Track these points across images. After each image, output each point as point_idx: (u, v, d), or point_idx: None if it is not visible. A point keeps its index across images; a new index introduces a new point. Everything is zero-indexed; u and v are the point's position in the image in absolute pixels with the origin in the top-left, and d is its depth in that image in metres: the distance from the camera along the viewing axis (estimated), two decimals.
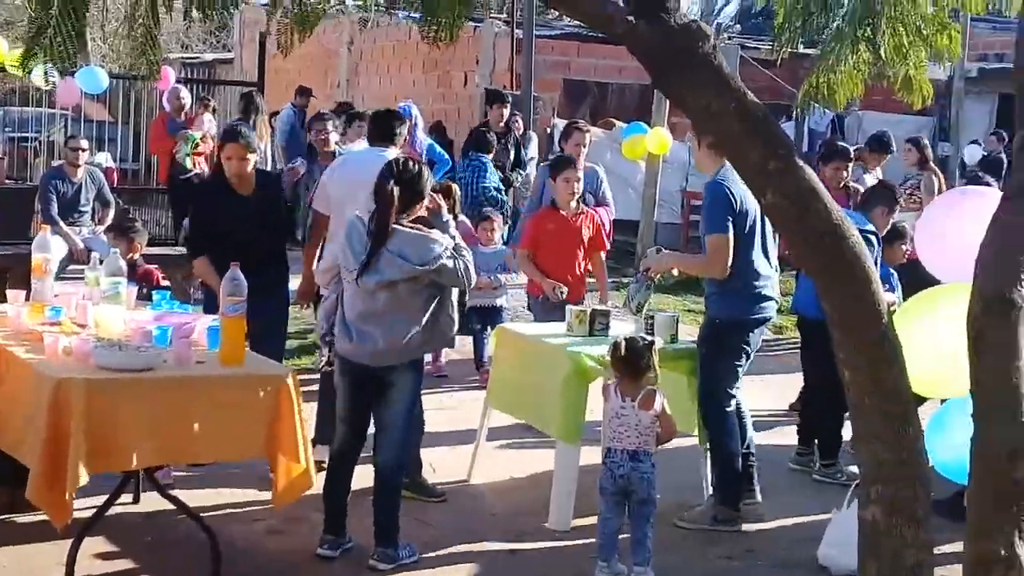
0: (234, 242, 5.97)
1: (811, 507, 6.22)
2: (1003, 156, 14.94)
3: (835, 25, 5.68)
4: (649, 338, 5.47)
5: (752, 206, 5.81)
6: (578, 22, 10.43)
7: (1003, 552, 3.43)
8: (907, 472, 3.61)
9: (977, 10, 5.94)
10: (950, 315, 4.28)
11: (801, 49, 6.40)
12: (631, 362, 5.23)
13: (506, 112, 11.75)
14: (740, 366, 6.07)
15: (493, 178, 10.43)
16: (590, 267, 7.82)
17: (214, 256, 6.08)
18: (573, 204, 7.63)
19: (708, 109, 3.84)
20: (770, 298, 6.08)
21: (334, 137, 7.80)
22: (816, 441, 7.08)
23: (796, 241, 3.86)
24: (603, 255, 7.93)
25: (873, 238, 6.59)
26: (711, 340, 6.10)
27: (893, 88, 5.95)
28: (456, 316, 5.42)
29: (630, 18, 3.76)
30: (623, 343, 5.29)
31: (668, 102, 13.16)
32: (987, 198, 4.58)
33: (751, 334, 6.05)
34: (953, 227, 4.74)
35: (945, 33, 5.74)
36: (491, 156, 10.60)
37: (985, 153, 16.56)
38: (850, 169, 8.92)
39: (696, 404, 6.15)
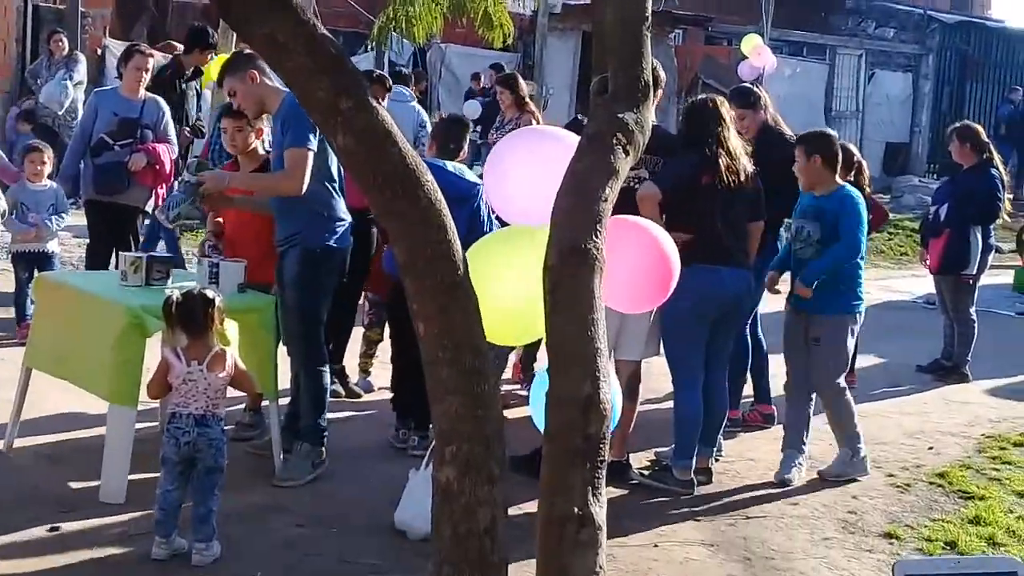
0: None
1: (392, 472, 5.83)
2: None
3: None
4: (210, 292, 4.93)
5: None
6: None
7: (576, 510, 3.33)
8: (482, 428, 3.45)
9: None
10: (522, 261, 4.17)
11: None
12: (187, 319, 4.77)
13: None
14: (330, 295, 5.87)
15: None
16: None
17: None
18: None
19: (274, 40, 3.49)
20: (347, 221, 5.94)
21: None
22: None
23: (369, 185, 3.59)
24: None
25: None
26: (307, 273, 5.74)
27: (474, 23, 5.85)
28: None
29: None
30: (177, 297, 4.81)
31: None
32: (561, 142, 4.47)
33: (344, 261, 5.92)
34: (520, 170, 4.58)
35: None
36: None
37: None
38: None
39: (269, 360, 5.80)
